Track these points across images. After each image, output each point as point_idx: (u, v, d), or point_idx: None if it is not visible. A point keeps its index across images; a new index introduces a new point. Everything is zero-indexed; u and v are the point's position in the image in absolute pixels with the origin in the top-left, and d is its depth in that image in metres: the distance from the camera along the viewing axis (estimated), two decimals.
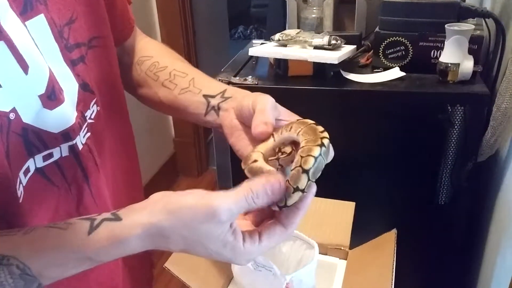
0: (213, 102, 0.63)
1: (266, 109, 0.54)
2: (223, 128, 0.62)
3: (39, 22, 0.50)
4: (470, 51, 1.09)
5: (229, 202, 0.44)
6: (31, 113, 0.48)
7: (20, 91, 0.47)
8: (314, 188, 0.48)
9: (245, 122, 0.58)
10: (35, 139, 0.49)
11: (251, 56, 1.35)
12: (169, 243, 0.44)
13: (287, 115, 0.57)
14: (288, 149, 0.50)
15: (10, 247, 0.43)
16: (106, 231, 0.44)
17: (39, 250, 0.44)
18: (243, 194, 0.44)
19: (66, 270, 0.44)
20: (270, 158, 0.51)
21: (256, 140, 0.55)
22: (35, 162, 0.50)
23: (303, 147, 0.47)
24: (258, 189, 0.45)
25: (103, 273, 0.61)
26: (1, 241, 0.44)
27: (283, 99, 1.17)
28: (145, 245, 0.44)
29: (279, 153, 0.51)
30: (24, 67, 0.47)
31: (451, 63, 1.09)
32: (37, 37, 0.49)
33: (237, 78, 1.22)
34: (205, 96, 0.65)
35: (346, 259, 0.90)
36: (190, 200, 0.44)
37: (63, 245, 0.44)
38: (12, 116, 0.46)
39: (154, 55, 0.74)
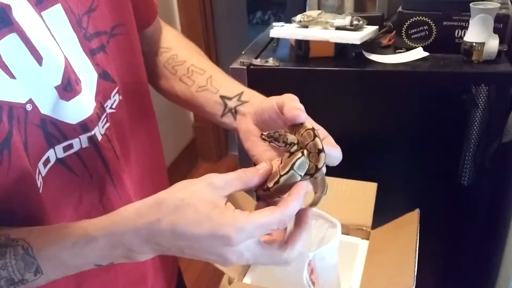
0: (230, 104, 0.63)
1: (297, 100, 0.54)
2: (239, 132, 0.62)
3: (56, 11, 0.50)
4: (496, 30, 1.07)
5: (223, 175, 0.46)
6: (48, 104, 0.48)
7: (36, 83, 0.47)
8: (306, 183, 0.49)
9: (266, 125, 0.58)
10: (54, 130, 0.50)
11: (272, 38, 1.34)
12: (162, 212, 0.44)
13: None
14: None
15: (24, 233, 0.46)
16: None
17: (48, 230, 0.47)
18: (236, 173, 0.47)
19: (64, 247, 0.45)
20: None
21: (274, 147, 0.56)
22: (56, 153, 0.51)
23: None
24: (249, 169, 0.48)
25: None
26: (19, 230, 0.47)
27: (305, 80, 1.19)
28: (137, 224, 0.44)
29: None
30: (38, 58, 0.46)
31: (476, 43, 1.07)
32: (53, 28, 0.49)
33: (258, 60, 1.21)
34: (222, 97, 0.65)
35: (368, 239, 0.90)
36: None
37: (70, 226, 0.47)
38: (29, 107, 0.47)
39: (173, 47, 0.73)
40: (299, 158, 0.48)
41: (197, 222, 0.43)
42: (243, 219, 0.43)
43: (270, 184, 0.48)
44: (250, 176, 0.47)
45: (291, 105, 0.52)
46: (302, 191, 0.47)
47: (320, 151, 0.49)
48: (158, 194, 0.45)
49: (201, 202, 0.44)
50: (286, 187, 0.48)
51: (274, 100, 0.56)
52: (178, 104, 0.72)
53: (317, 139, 0.49)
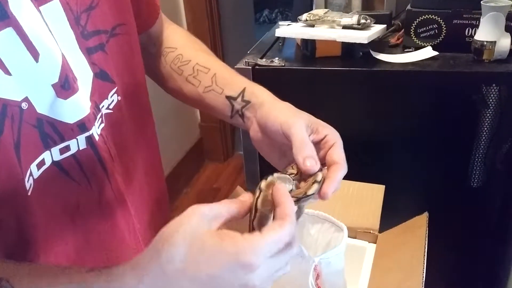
0: (236, 106, 0.64)
1: (306, 139, 0.53)
2: (250, 137, 0.62)
3: (54, 7, 0.49)
4: (507, 29, 1.06)
5: (209, 205, 0.44)
6: (45, 103, 0.47)
7: (32, 80, 0.46)
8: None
9: (271, 137, 0.58)
10: (51, 131, 0.48)
11: (278, 38, 1.33)
12: (168, 244, 0.42)
13: (315, 128, 0.56)
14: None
15: (10, 271, 0.44)
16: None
17: (39, 273, 0.45)
18: (222, 203, 0.46)
19: None
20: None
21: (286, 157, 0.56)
22: (52, 155, 0.49)
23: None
24: (234, 200, 0.47)
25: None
26: (6, 267, 0.45)
27: (311, 80, 1.17)
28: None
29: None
30: (35, 54, 0.45)
31: (486, 41, 1.05)
32: (51, 23, 0.48)
33: (264, 60, 1.20)
34: (227, 97, 0.65)
35: (375, 243, 0.89)
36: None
37: (58, 274, 0.44)
38: (24, 105, 0.45)
39: (178, 47, 0.73)
40: (258, 197, 0.47)
41: (210, 261, 0.41)
42: (258, 241, 0.41)
43: (249, 228, 0.48)
44: (236, 207, 0.46)
45: (303, 154, 0.52)
46: (285, 193, 0.46)
47: (316, 182, 0.50)
48: (150, 246, 0.43)
49: (206, 238, 0.41)
50: (264, 219, 0.47)
51: (280, 125, 0.55)
52: (190, 105, 0.72)
53: (318, 173, 0.51)
